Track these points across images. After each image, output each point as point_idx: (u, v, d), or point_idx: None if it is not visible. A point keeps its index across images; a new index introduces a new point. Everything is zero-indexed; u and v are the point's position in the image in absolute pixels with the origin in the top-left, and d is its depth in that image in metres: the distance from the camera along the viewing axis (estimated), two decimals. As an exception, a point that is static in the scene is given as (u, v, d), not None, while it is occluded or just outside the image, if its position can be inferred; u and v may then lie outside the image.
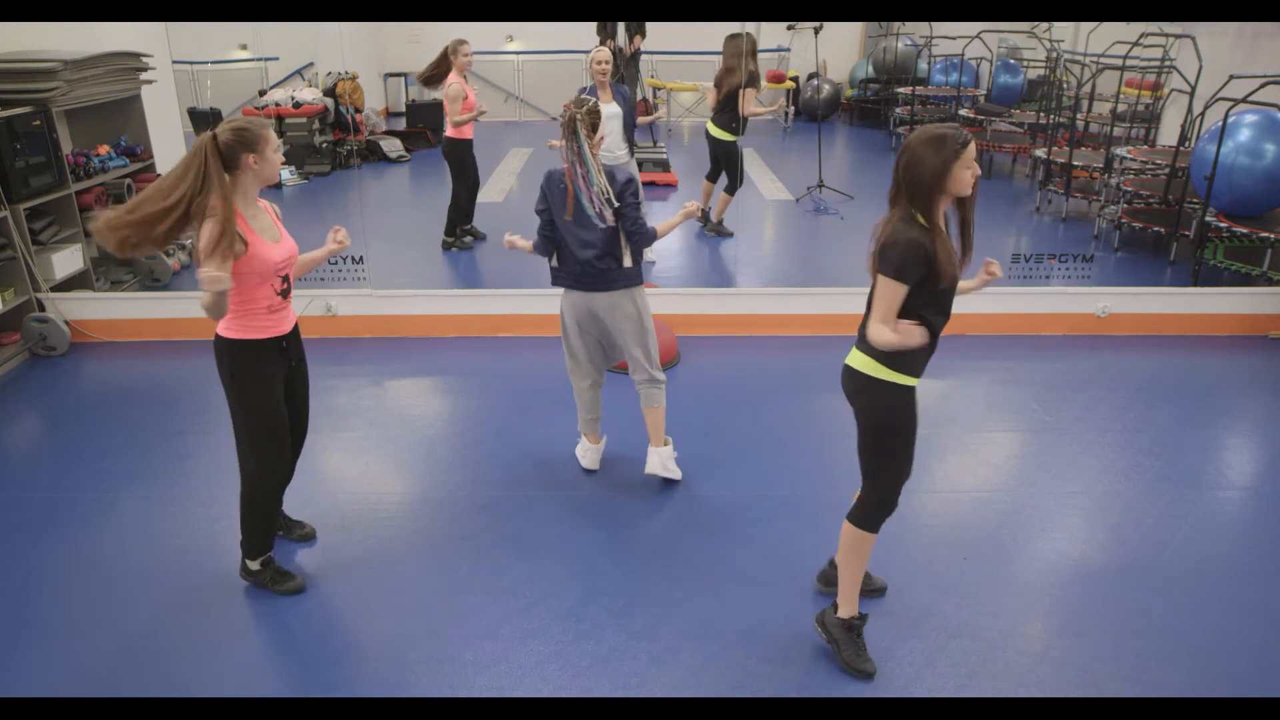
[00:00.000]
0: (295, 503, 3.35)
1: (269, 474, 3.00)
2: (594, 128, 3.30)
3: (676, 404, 4.49)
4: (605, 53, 5.93)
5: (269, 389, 2.93)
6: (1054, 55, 9.27)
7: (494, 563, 3.29)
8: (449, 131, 6.42)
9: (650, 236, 3.43)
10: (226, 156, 2.70)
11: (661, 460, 3.74)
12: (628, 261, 3.46)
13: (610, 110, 5.87)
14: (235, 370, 2.88)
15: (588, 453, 3.87)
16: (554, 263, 3.53)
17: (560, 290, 3.60)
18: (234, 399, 2.93)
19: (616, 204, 3.31)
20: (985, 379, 4.80)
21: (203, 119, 9.49)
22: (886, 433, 2.61)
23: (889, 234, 2.44)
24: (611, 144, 5.72)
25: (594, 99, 3.35)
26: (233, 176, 2.73)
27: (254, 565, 3.12)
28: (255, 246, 2.77)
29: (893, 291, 2.44)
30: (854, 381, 2.62)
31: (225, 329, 2.86)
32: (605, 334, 3.59)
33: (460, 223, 6.84)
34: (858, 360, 2.61)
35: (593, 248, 3.39)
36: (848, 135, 12.25)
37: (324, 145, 9.68)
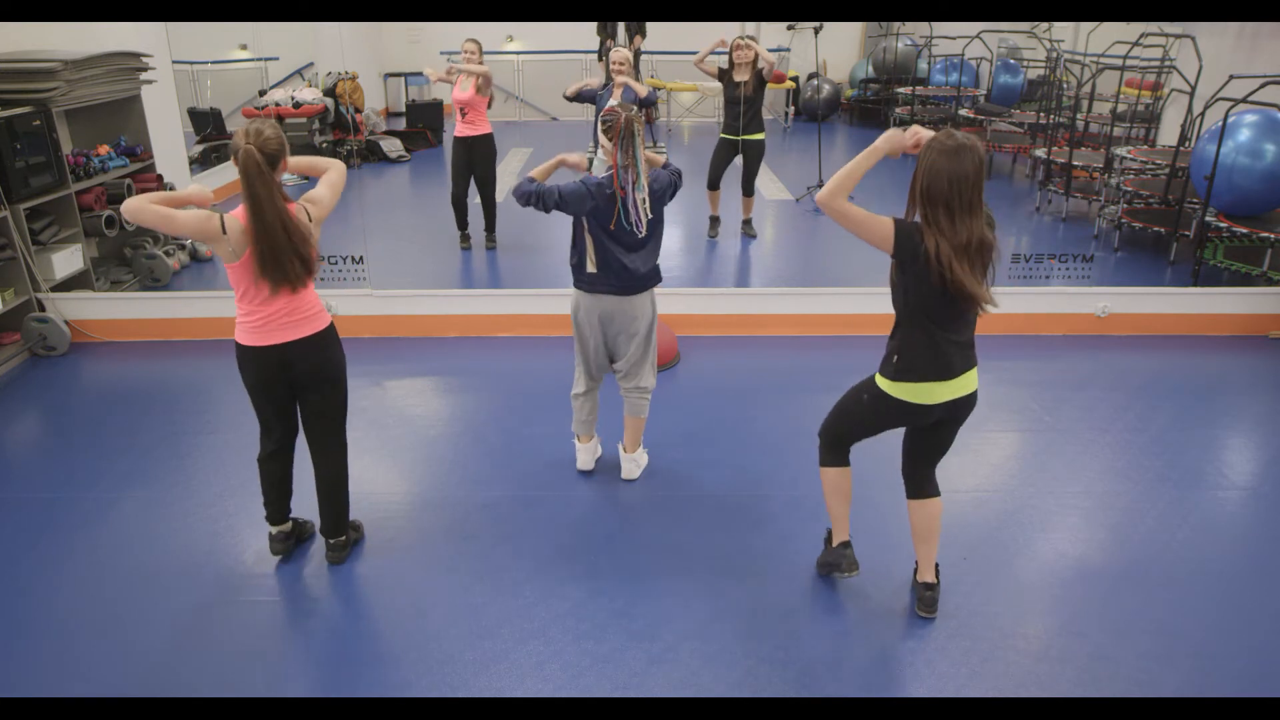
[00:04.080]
0: (296, 502, 3.35)
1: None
2: (644, 127, 3.31)
3: (677, 404, 4.49)
4: (625, 52, 5.96)
5: None
6: (1054, 55, 9.27)
7: (494, 563, 3.29)
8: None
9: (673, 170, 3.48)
10: (273, 165, 2.76)
11: (639, 465, 3.86)
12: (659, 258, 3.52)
13: None
14: (342, 347, 3.09)
15: (581, 453, 3.86)
16: (591, 269, 3.40)
17: (567, 288, 3.58)
18: (343, 381, 3.12)
19: (650, 215, 3.32)
20: (985, 379, 4.74)
21: (203, 119, 9.51)
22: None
23: None
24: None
25: (635, 107, 3.33)
26: (276, 183, 2.80)
27: (344, 536, 3.31)
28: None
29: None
30: None
31: (326, 320, 3.02)
32: (619, 333, 3.56)
33: (457, 223, 6.81)
34: None
35: (640, 255, 3.39)
36: (848, 135, 12.25)
37: (324, 145, 9.69)
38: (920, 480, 2.94)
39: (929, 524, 2.95)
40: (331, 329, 3.04)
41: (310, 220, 2.88)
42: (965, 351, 2.70)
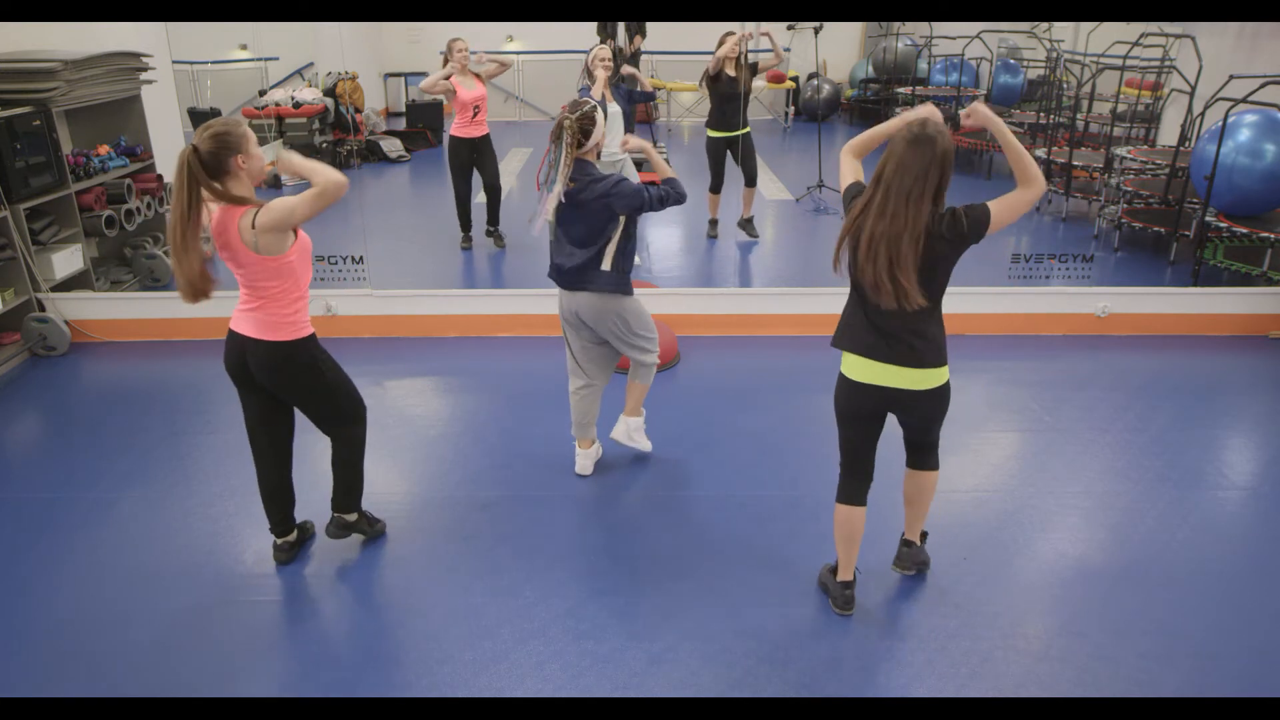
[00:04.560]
0: (300, 503, 3.35)
1: (364, 426, 3.22)
2: (585, 134, 3.25)
3: (676, 404, 4.49)
4: (606, 50, 5.93)
5: (334, 360, 3.08)
6: (1054, 55, 9.27)
7: (494, 563, 3.29)
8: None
9: (671, 191, 3.38)
10: (211, 165, 2.66)
11: (627, 429, 3.83)
12: (605, 265, 3.39)
13: (612, 110, 5.88)
14: (313, 360, 2.97)
15: (580, 457, 3.85)
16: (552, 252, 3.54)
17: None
18: (319, 385, 3.03)
19: (552, 219, 3.30)
20: (985, 379, 4.80)
21: (203, 119, 9.48)
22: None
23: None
24: (612, 143, 5.71)
25: (593, 103, 3.30)
26: (223, 182, 2.70)
27: (352, 517, 3.31)
28: (300, 233, 2.86)
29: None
30: None
31: (289, 333, 2.89)
32: (589, 327, 3.55)
33: (461, 224, 6.83)
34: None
35: (567, 249, 3.41)
36: (848, 135, 12.23)
37: (324, 145, 9.68)
38: (916, 454, 2.98)
39: (918, 494, 3.02)
40: (293, 346, 2.89)
41: (253, 227, 2.69)
42: (901, 345, 2.64)
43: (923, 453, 2.97)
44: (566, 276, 3.45)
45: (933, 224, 2.52)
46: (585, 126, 3.25)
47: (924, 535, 3.18)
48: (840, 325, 2.79)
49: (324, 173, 2.75)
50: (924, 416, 2.81)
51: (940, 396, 2.75)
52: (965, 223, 2.55)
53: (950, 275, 2.65)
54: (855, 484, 2.92)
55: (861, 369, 2.73)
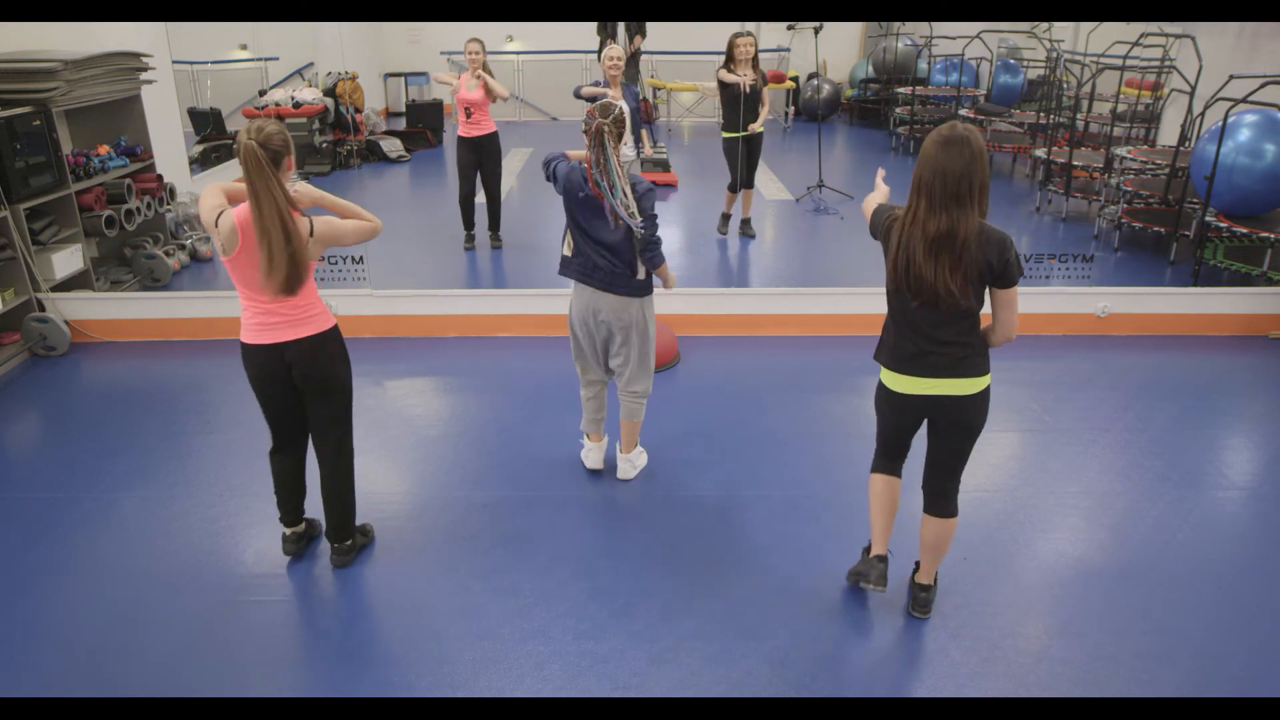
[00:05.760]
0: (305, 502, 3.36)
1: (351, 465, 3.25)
2: (620, 136, 3.28)
3: (677, 404, 4.49)
4: (618, 49, 5.96)
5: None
6: (1054, 55, 9.27)
7: (494, 563, 3.29)
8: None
9: (659, 258, 3.45)
10: (276, 163, 2.71)
11: (634, 465, 3.86)
12: (640, 274, 3.45)
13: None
14: (344, 351, 3.05)
15: (591, 452, 3.86)
16: (565, 251, 3.51)
17: (568, 287, 3.59)
18: (346, 383, 3.08)
19: (641, 221, 3.29)
20: (985, 379, 4.80)
21: (203, 119, 9.51)
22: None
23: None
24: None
25: (620, 105, 3.32)
26: (277, 179, 2.74)
27: (349, 542, 3.29)
28: None
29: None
30: None
31: (324, 323, 2.97)
32: (609, 336, 3.57)
33: (464, 223, 6.84)
34: None
35: (608, 249, 3.39)
36: (848, 135, 12.25)
37: (324, 145, 9.68)
38: (935, 496, 2.90)
39: (937, 542, 2.94)
40: (331, 333, 2.98)
41: (312, 234, 2.79)
42: (936, 357, 2.66)
43: (941, 495, 2.89)
44: (605, 278, 3.44)
45: (988, 243, 2.52)
46: (620, 129, 3.29)
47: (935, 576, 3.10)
48: (881, 341, 2.80)
49: (365, 213, 2.98)
50: (963, 421, 2.75)
51: (982, 401, 2.74)
52: (1006, 270, 2.56)
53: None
54: (890, 460, 2.97)
55: (902, 382, 2.75)
